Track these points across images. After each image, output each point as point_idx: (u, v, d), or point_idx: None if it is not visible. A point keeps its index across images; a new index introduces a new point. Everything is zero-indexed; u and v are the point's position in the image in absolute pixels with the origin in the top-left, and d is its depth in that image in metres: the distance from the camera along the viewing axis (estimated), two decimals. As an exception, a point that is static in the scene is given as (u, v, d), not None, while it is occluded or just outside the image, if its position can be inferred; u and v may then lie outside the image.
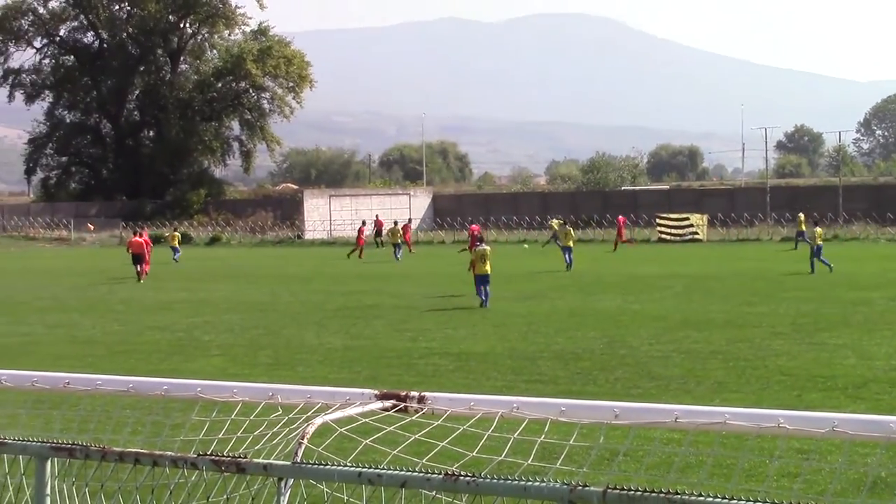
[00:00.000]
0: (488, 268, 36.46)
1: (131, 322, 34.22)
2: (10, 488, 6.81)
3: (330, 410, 5.89)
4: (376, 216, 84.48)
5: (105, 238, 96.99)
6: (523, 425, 5.65)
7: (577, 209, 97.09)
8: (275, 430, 6.07)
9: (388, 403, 5.91)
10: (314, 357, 25.47)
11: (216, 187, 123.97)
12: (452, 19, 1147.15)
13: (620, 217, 74.57)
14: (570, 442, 5.63)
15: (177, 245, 67.82)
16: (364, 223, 72.87)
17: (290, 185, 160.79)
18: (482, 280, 36.25)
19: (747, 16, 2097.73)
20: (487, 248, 38.18)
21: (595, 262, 58.18)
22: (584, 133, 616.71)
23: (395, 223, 69.67)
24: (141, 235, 56.10)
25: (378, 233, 77.61)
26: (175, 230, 74.62)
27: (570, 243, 53.73)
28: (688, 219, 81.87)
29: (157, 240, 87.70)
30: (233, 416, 6.55)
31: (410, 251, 69.87)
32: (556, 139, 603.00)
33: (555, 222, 72.16)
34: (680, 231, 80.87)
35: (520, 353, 25.25)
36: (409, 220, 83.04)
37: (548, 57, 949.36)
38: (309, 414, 5.95)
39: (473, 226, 66.65)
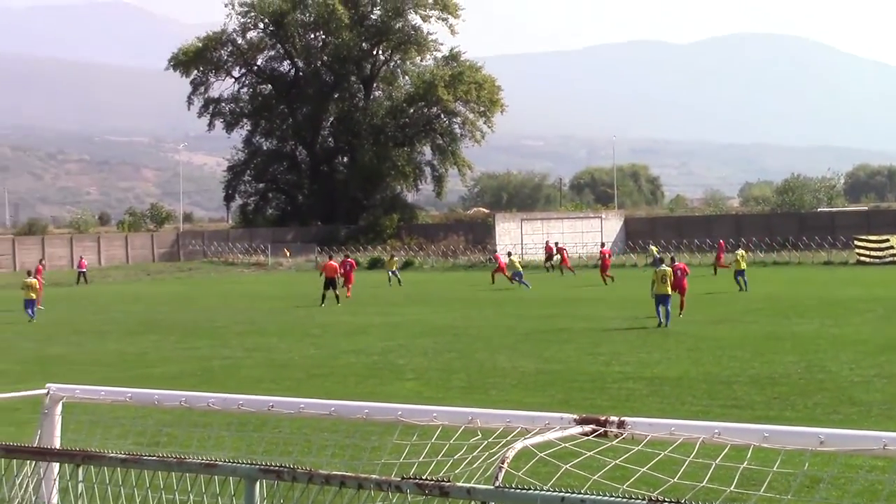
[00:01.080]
0: (668, 288, 36.80)
1: (327, 346, 34.80)
2: (220, 509, 6.99)
3: (529, 435, 5.92)
4: (546, 242, 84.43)
5: (301, 263, 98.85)
6: (724, 451, 5.60)
7: (772, 231, 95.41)
8: (475, 453, 6.13)
9: (587, 428, 5.92)
10: (507, 381, 25.52)
11: (409, 212, 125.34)
12: (643, 42, 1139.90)
13: (721, 242, 74.40)
14: (773, 469, 5.56)
15: (395, 269, 68.79)
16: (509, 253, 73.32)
17: (481, 209, 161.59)
18: (661, 300, 36.69)
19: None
20: (668, 269, 38.27)
21: (790, 286, 57.12)
22: (779, 154, 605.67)
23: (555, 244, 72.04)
24: (332, 259, 57.29)
25: (549, 257, 78.89)
26: (392, 256, 75.65)
27: (743, 266, 53.78)
28: (888, 240, 79.63)
29: (374, 263, 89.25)
30: (433, 440, 6.63)
31: (573, 272, 72.21)
32: (750, 161, 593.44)
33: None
34: (880, 253, 78.65)
35: (714, 377, 24.91)
36: (602, 244, 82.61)
37: (739, 77, 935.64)
38: (508, 438, 5.99)
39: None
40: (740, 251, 56.04)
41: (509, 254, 69.42)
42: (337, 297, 53.00)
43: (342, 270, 56.02)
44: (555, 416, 6.18)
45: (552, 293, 57.41)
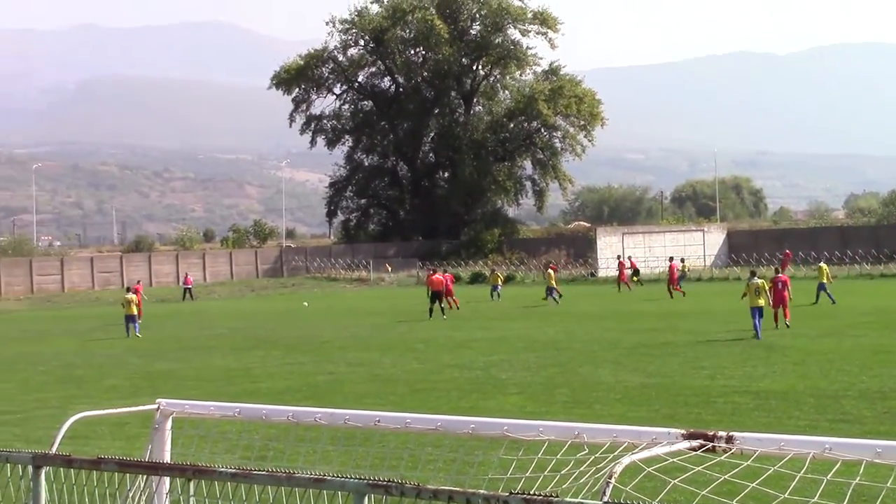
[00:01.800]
0: (762, 301, 37.23)
1: (430, 360, 34.89)
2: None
3: (637, 450, 5.89)
4: (618, 256, 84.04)
5: (403, 278, 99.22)
6: (836, 467, 5.53)
7: (878, 243, 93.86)
8: (582, 468, 6.11)
9: (695, 443, 5.88)
10: (611, 395, 25.39)
11: (510, 226, 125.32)
12: (744, 53, 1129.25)
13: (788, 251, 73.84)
14: (887, 485, 5.48)
15: (499, 283, 68.57)
16: (624, 258, 72.99)
17: (582, 223, 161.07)
18: (756, 312, 36.99)
19: None
20: (761, 281, 38.40)
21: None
22: (885, 165, 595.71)
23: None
24: (434, 272, 57.47)
25: (636, 272, 79.16)
26: (493, 271, 75.47)
27: (824, 279, 53.76)
28: None
29: (476, 278, 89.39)
30: (539, 455, 6.63)
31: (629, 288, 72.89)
32: (855, 172, 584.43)
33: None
34: None
35: (822, 391, 24.56)
36: (671, 257, 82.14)
37: (842, 88, 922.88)
38: (616, 453, 5.97)
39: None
40: (821, 264, 56.57)
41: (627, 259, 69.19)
42: (442, 309, 53.25)
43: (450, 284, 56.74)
44: (662, 430, 6.15)
45: (655, 307, 57.02)
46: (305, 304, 70.39)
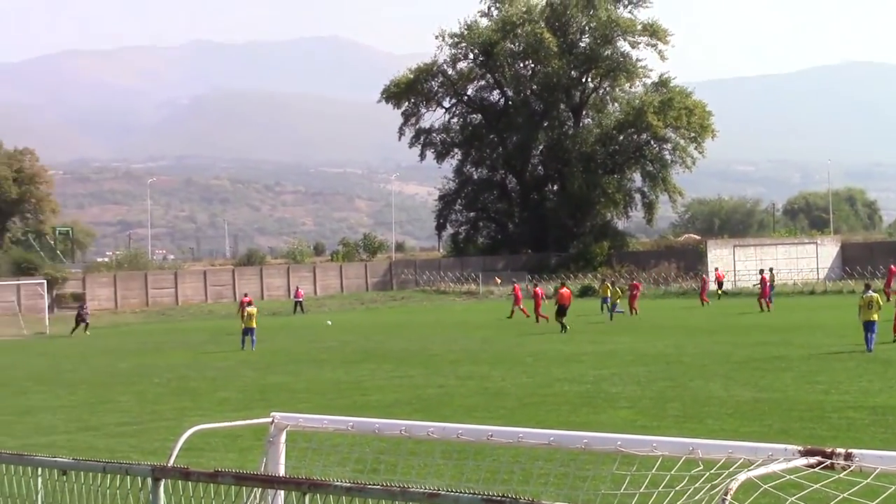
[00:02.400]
0: (875, 315, 36.98)
1: (540, 374, 34.81)
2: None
3: (752, 466, 5.83)
4: (760, 271, 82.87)
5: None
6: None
7: None
8: (696, 485, 6.06)
9: (812, 460, 5.80)
10: (723, 410, 25.13)
11: (619, 239, 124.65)
12: (858, 63, 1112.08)
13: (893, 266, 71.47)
14: None
15: (608, 296, 66.68)
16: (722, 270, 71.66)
17: (692, 235, 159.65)
18: (868, 327, 36.68)
19: None
20: (874, 295, 37.79)
21: None
22: None
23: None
24: (564, 285, 57.38)
25: (720, 285, 78.42)
26: (604, 281, 74.46)
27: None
28: None
29: (585, 291, 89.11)
30: (653, 471, 6.58)
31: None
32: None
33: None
34: None
35: (941, 407, 24.09)
36: (761, 270, 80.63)
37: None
38: (731, 469, 5.91)
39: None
40: None
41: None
42: (563, 325, 52.97)
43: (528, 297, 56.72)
44: (778, 447, 6.08)
45: (767, 320, 56.33)
46: (329, 322, 69.30)
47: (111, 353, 50.60)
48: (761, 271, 69.86)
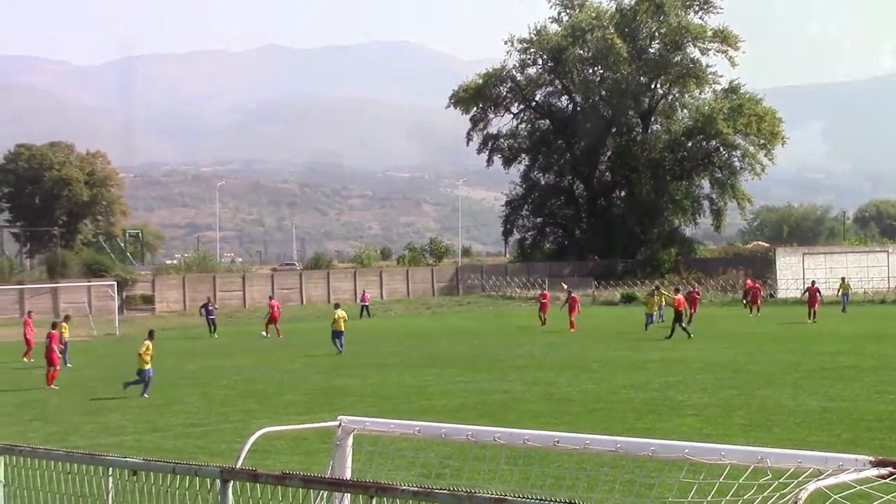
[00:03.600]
0: None
1: (605, 380, 34.71)
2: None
3: (822, 476, 5.79)
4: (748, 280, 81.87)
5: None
6: None
7: None
8: (765, 494, 6.02)
9: (884, 471, 5.75)
10: (790, 419, 24.93)
11: (686, 246, 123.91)
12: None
13: None
14: None
15: (653, 312, 64.63)
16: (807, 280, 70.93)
17: (761, 242, 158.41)
18: None
19: None
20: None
21: None
22: None
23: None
24: (679, 292, 57.44)
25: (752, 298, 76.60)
26: (653, 294, 73.06)
27: None
28: None
29: (629, 299, 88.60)
30: (721, 479, 6.55)
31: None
32: None
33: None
34: None
35: None
36: (813, 281, 79.28)
37: None
38: (800, 479, 5.87)
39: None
40: None
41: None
42: (686, 329, 52.61)
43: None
44: (849, 457, 6.02)
45: (838, 329, 55.79)
46: (263, 333, 65.20)
47: (179, 354, 51.02)
48: (813, 282, 69.44)
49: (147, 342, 34.86)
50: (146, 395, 33.57)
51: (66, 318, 50.31)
